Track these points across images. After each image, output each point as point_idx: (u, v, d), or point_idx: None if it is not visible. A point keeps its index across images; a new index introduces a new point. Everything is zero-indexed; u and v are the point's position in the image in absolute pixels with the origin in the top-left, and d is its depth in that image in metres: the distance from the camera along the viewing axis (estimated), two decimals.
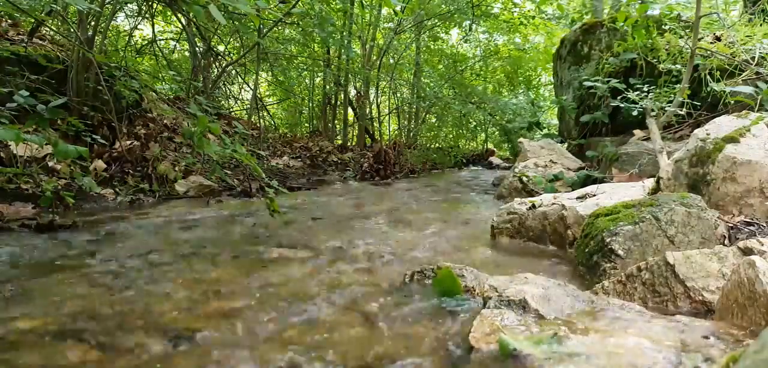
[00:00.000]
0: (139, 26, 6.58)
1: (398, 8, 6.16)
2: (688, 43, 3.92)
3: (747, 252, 1.41)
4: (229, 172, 4.51)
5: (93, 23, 4.00)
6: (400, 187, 5.08)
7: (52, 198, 2.58)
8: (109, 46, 5.44)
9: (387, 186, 5.24)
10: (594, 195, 2.42)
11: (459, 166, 8.09)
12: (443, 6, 8.27)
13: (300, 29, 7.02)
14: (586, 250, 1.81)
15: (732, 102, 3.24)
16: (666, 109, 3.40)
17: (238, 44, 6.95)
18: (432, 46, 10.14)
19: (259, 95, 7.55)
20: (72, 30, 3.97)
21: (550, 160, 4.58)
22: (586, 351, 0.99)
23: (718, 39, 4.10)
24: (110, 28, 5.23)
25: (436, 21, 8.86)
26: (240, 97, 8.41)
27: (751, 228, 1.88)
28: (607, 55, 5.04)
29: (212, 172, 4.19)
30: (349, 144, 9.52)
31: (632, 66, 4.53)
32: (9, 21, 4.47)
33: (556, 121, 9.02)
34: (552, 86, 8.56)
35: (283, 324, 1.29)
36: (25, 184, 3.04)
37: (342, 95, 9.73)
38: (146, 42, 6.86)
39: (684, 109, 3.53)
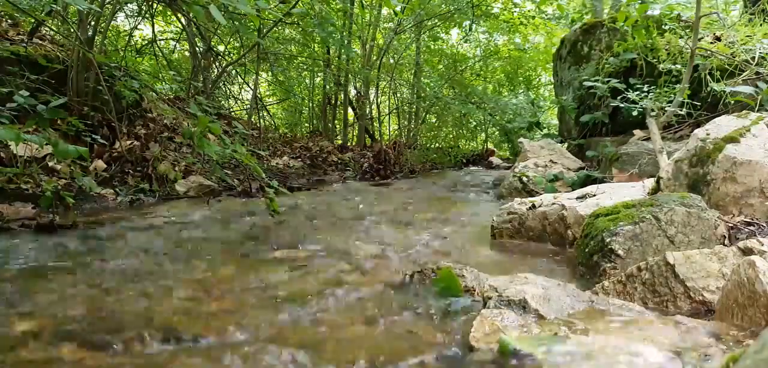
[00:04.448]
0: (139, 26, 6.58)
1: (398, 8, 6.16)
2: (688, 43, 3.92)
3: (747, 252, 1.41)
4: (229, 172, 4.51)
5: (93, 23, 4.00)
6: (400, 187, 5.08)
7: (52, 198, 2.58)
8: (109, 46, 5.44)
9: (387, 186, 5.24)
10: (594, 195, 2.42)
11: (459, 166, 8.08)
12: (443, 6, 8.26)
13: (300, 29, 7.01)
14: (586, 250, 1.81)
15: (732, 102, 3.24)
16: (666, 109, 3.40)
17: (238, 44, 6.95)
18: (432, 46, 10.13)
19: (259, 95, 7.55)
20: (72, 30, 3.97)
21: (550, 160, 4.58)
22: (586, 352, 0.99)
23: (718, 39, 4.10)
24: (110, 28, 5.22)
25: (436, 21, 8.86)
26: (240, 97, 8.40)
27: (751, 228, 1.88)
28: (607, 55, 5.04)
29: (212, 172, 4.19)
30: (349, 144, 9.52)
31: (632, 66, 4.53)
32: (9, 21, 4.47)
33: (556, 121, 9.01)
34: (552, 86, 8.56)
35: (283, 324, 1.29)
36: (25, 184, 3.04)
37: (342, 95, 9.73)
38: (146, 42, 6.86)
39: (684, 109, 3.53)
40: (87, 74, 3.90)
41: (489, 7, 8.65)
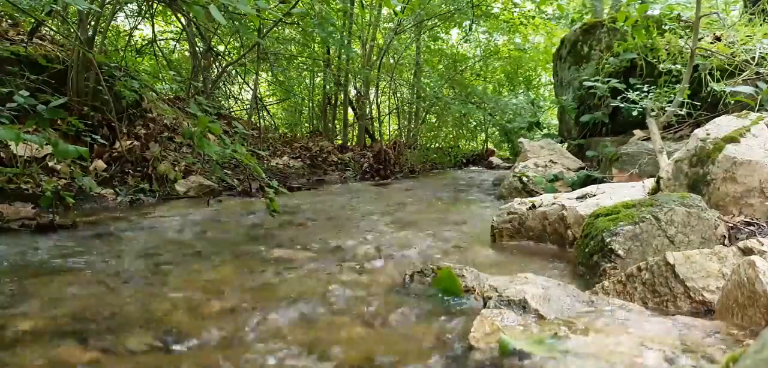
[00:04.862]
0: (139, 26, 6.58)
1: (398, 8, 6.16)
2: (688, 43, 3.92)
3: (747, 252, 1.41)
4: (229, 172, 4.51)
5: (93, 23, 4.00)
6: (400, 187, 5.08)
7: (52, 198, 2.58)
8: (109, 46, 5.44)
9: (387, 186, 5.24)
10: (594, 195, 2.42)
11: (459, 166, 8.09)
12: (443, 6, 8.26)
13: (300, 29, 7.01)
14: (586, 250, 1.81)
15: (732, 102, 3.24)
16: (666, 109, 3.40)
17: (238, 44, 6.95)
18: (432, 46, 10.14)
19: (259, 95, 7.55)
20: (72, 30, 3.97)
21: (550, 160, 4.58)
22: (586, 351, 0.99)
23: (718, 39, 4.10)
24: (110, 28, 5.22)
25: (436, 21, 8.86)
26: (240, 97, 8.41)
27: (751, 228, 1.88)
28: (607, 55, 5.04)
29: (212, 172, 4.19)
30: (349, 144, 9.52)
31: (632, 66, 4.53)
32: (9, 21, 4.47)
33: (556, 121, 9.02)
34: (552, 86, 8.56)
35: (284, 324, 1.29)
36: (25, 184, 3.04)
37: (342, 95, 9.73)
38: (146, 42, 6.86)
39: (684, 109, 3.53)
40: (87, 74, 3.90)
41: (489, 7, 8.65)
